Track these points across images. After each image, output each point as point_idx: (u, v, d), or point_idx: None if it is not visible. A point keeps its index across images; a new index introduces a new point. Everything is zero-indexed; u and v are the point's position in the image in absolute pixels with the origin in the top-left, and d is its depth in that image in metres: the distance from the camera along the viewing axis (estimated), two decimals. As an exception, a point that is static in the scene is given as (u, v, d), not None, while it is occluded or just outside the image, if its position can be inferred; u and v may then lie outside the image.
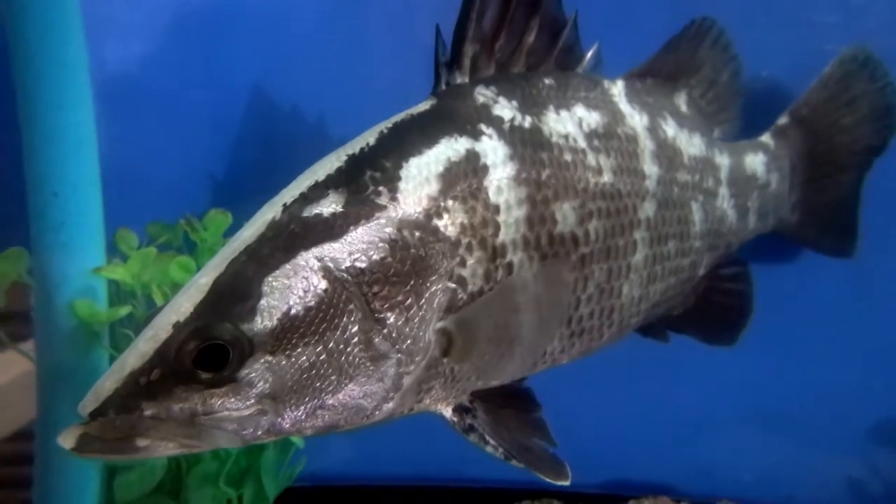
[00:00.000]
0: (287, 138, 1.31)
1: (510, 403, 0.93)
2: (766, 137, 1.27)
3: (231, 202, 1.24)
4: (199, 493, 1.12)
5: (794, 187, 1.28)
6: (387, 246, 0.77)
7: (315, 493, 1.44)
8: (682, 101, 1.15)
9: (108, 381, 0.70)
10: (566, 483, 0.90)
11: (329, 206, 0.78)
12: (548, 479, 0.90)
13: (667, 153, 1.05)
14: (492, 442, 0.89)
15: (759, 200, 1.23)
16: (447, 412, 0.89)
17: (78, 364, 1.09)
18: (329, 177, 0.80)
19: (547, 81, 0.96)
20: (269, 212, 0.79)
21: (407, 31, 1.28)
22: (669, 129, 1.07)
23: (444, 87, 0.91)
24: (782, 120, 1.29)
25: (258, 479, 1.17)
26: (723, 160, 1.16)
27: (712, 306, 1.19)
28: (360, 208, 0.78)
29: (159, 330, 0.71)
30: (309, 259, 0.74)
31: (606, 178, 0.95)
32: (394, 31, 1.29)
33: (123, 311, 1.07)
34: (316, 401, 0.74)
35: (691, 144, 1.10)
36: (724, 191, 1.15)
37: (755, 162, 1.22)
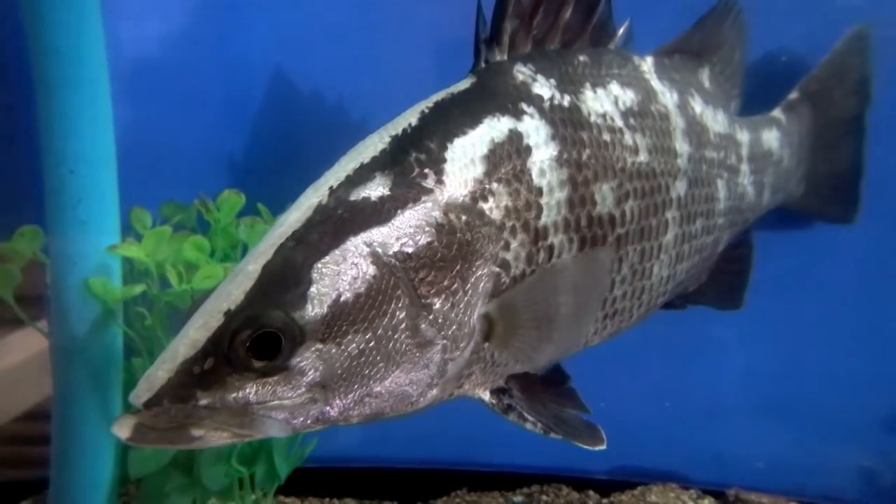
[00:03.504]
0: (302, 120, 1.31)
1: (541, 378, 0.93)
2: (777, 112, 1.27)
3: (245, 183, 1.24)
4: (211, 470, 1.12)
5: (801, 162, 1.29)
6: (433, 230, 0.76)
7: (325, 474, 1.44)
8: (705, 78, 1.15)
9: (161, 371, 0.68)
10: (603, 447, 0.90)
11: (376, 189, 0.76)
12: (586, 447, 0.90)
13: (696, 130, 1.05)
14: (530, 419, 0.89)
15: (774, 176, 1.23)
16: (485, 396, 0.88)
17: (92, 341, 1.09)
18: (374, 159, 0.79)
19: (582, 58, 0.95)
20: (315, 195, 0.77)
21: (425, 15, 1.27)
22: (697, 105, 1.07)
23: (483, 64, 0.89)
24: (793, 95, 1.30)
25: (270, 459, 1.18)
26: (743, 136, 1.17)
27: (720, 274, 1.19)
28: (406, 191, 0.76)
29: (210, 318, 0.69)
30: (358, 244, 0.73)
31: (642, 157, 0.94)
32: (413, 14, 1.28)
33: (138, 289, 1.07)
34: (364, 388, 0.73)
35: (716, 121, 1.10)
36: (745, 167, 1.16)
37: (770, 138, 1.23)
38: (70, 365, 1.10)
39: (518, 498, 1.48)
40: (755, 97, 1.25)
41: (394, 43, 1.29)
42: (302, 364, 0.70)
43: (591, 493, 1.50)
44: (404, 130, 0.81)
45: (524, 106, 0.86)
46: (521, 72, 0.89)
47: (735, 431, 1.51)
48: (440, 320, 0.76)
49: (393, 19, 1.28)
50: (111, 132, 1.09)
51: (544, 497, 1.47)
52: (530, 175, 0.83)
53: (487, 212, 0.80)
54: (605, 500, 1.49)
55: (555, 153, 0.85)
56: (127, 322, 1.13)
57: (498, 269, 0.81)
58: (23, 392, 1.30)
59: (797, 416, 1.48)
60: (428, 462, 1.49)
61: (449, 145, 0.80)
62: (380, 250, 0.73)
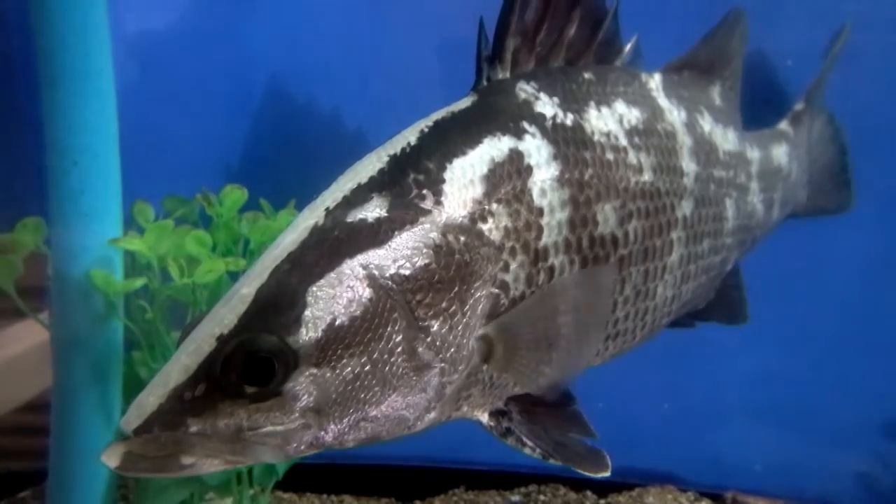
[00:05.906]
0: (306, 116, 1.31)
1: (543, 400, 0.90)
2: (784, 125, 1.27)
3: (247, 178, 1.23)
4: (209, 464, 1.12)
5: (805, 171, 1.29)
6: (431, 252, 0.74)
7: (323, 470, 1.45)
8: (716, 94, 1.13)
9: (152, 397, 0.67)
10: (606, 474, 0.88)
11: (373, 210, 0.75)
12: (588, 473, 0.88)
13: (704, 149, 1.03)
14: (529, 444, 0.87)
15: (783, 191, 1.22)
16: (484, 418, 0.87)
17: (93, 333, 1.09)
18: (372, 179, 0.77)
19: (587, 76, 0.93)
20: (311, 216, 0.75)
21: (430, 22, 1.26)
22: (706, 124, 1.06)
23: (485, 82, 0.88)
24: (799, 106, 1.29)
25: (268, 454, 1.18)
26: (753, 154, 1.15)
27: (725, 289, 1.17)
28: (404, 213, 0.75)
29: (202, 343, 0.68)
30: (354, 267, 0.71)
31: (647, 176, 0.92)
32: (418, 21, 1.27)
33: (139, 282, 1.07)
34: (359, 413, 0.72)
35: (726, 140, 1.09)
36: (754, 185, 1.14)
37: (780, 154, 1.22)
38: (70, 357, 1.10)
39: (515, 497, 1.48)
40: (757, 105, 1.24)
41: (401, 51, 1.28)
42: (296, 389, 0.69)
43: (588, 493, 1.50)
44: (403, 150, 0.79)
45: (526, 125, 0.84)
46: (524, 90, 0.87)
47: (733, 434, 1.51)
48: (438, 343, 0.74)
49: (402, 28, 1.28)
50: (115, 125, 1.09)
51: (542, 497, 1.48)
52: (531, 195, 0.82)
53: (487, 233, 0.78)
54: (602, 501, 1.49)
55: (556, 173, 0.84)
56: (128, 315, 1.13)
57: (497, 291, 0.79)
58: (23, 383, 1.30)
59: (795, 420, 1.49)
60: (426, 460, 1.49)
61: (448, 165, 0.78)
62: (376, 273, 0.72)
